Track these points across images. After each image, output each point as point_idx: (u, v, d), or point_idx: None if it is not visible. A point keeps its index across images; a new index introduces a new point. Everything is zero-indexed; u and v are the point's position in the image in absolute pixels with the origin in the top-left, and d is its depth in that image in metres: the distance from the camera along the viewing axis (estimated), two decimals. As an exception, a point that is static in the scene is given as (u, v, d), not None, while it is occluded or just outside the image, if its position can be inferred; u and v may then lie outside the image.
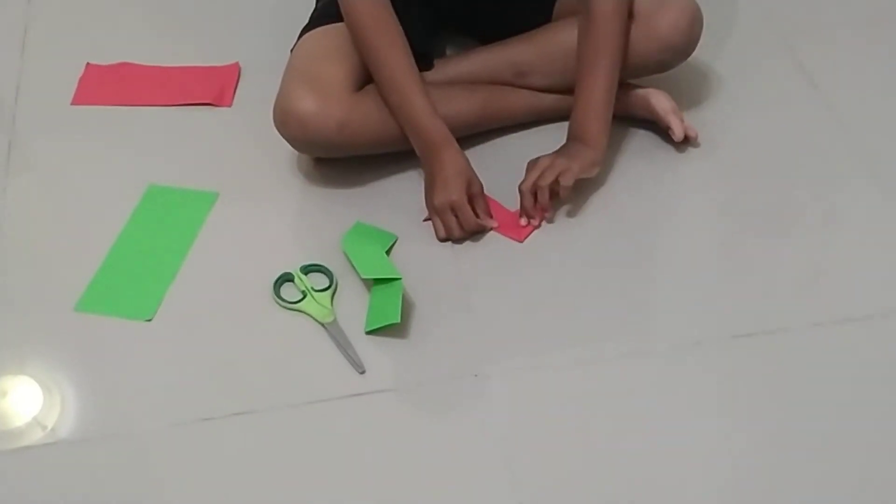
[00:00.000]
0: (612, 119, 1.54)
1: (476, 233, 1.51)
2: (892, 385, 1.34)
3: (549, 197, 1.50)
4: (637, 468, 1.27)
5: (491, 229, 1.51)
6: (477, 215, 1.50)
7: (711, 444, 1.29)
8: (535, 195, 1.50)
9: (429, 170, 1.52)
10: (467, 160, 1.52)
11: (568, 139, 1.55)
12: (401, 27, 1.51)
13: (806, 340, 1.39)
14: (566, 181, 1.49)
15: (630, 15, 1.55)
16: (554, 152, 1.53)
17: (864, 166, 1.61)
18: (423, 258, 1.50)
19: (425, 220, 1.53)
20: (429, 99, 1.51)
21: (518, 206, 1.53)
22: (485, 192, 1.53)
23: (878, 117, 1.68)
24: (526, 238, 1.51)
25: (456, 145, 1.52)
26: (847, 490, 1.24)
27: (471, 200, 1.50)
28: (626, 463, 1.27)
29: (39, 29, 1.91)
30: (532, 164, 1.53)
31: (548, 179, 1.49)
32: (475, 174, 1.52)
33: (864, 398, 1.33)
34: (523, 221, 1.52)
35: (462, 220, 1.49)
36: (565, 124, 1.63)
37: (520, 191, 1.51)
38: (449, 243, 1.51)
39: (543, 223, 1.53)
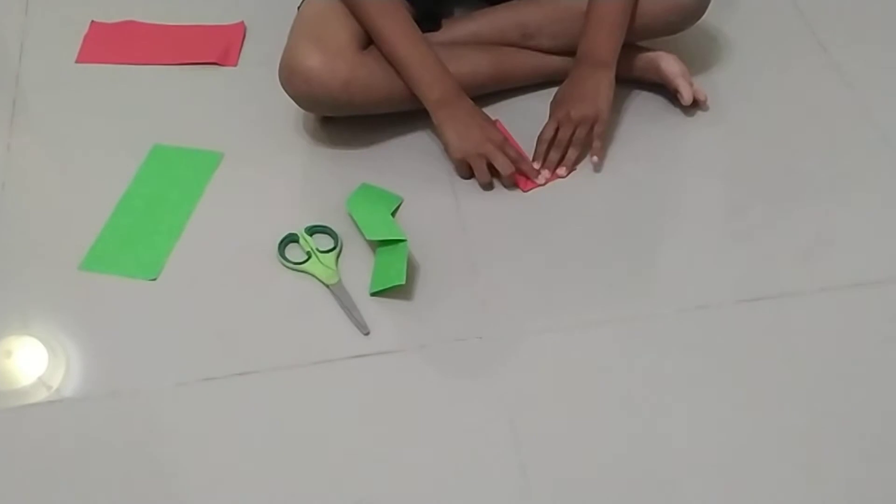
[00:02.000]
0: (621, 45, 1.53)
1: (528, 164, 1.51)
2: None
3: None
4: (641, 432, 1.27)
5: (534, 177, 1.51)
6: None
7: (716, 408, 1.29)
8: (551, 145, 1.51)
9: (448, 121, 1.50)
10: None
11: (579, 62, 1.53)
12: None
13: (813, 305, 1.38)
14: (600, 134, 1.50)
15: (640, -25, 1.54)
16: (570, 86, 1.52)
17: (874, 131, 1.60)
18: (428, 220, 1.49)
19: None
20: (433, 51, 1.51)
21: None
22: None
23: (890, 82, 1.67)
24: (529, 189, 1.50)
25: (466, 95, 1.52)
26: (853, 455, 1.24)
27: (500, 147, 1.50)
28: (630, 426, 1.27)
29: (43, -14, 1.90)
30: (557, 109, 1.52)
31: (579, 134, 1.50)
32: (491, 121, 1.52)
33: (872, 363, 1.32)
34: (539, 170, 1.51)
35: (499, 164, 1.49)
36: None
37: (539, 139, 1.51)
38: (454, 204, 1.51)
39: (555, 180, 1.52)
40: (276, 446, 1.27)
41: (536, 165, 1.51)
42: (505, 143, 1.51)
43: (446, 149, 1.52)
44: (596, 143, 1.52)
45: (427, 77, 1.49)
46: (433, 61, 1.50)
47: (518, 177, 1.51)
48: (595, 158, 1.52)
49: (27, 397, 1.34)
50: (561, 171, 1.52)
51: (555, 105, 1.55)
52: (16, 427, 1.31)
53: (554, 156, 1.51)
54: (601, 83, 1.51)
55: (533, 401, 1.30)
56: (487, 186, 1.52)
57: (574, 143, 1.51)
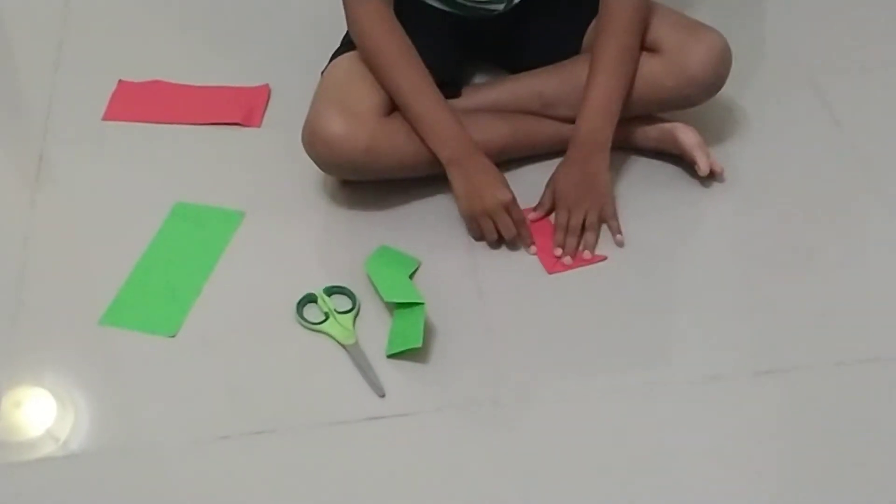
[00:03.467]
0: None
1: (528, 230, 1.53)
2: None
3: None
4: (654, 501, 1.27)
5: (530, 244, 1.53)
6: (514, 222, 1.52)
7: (728, 480, 1.29)
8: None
9: (459, 178, 1.52)
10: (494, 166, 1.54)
11: (577, 145, 1.54)
12: (414, 48, 1.53)
13: (827, 379, 1.38)
14: (612, 215, 1.55)
15: (658, 49, 1.57)
16: (570, 171, 1.54)
17: (885, 205, 1.61)
18: (445, 283, 1.50)
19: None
20: (452, 111, 1.53)
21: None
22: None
23: (902, 157, 1.69)
24: (555, 272, 1.52)
25: (482, 152, 1.53)
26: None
27: (505, 208, 1.52)
28: (644, 496, 1.27)
29: (74, 45, 1.93)
30: (562, 197, 1.54)
31: (591, 219, 1.53)
32: (504, 179, 1.54)
33: (887, 440, 1.32)
34: (558, 252, 1.52)
35: (501, 226, 1.51)
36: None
37: (556, 226, 1.54)
38: (471, 269, 1.52)
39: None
40: (289, 506, 1.27)
41: (558, 253, 1.52)
42: (512, 204, 1.52)
43: (457, 206, 1.54)
44: (612, 224, 1.55)
45: (441, 133, 1.51)
46: (448, 117, 1.52)
47: (544, 257, 1.53)
48: (619, 237, 1.55)
49: (37, 451, 1.34)
50: (585, 254, 1.53)
51: (557, 190, 1.56)
52: (25, 481, 1.31)
53: (572, 242, 1.53)
54: (600, 168, 1.54)
55: (546, 467, 1.30)
56: (495, 245, 1.53)
57: (588, 228, 1.53)
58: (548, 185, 1.58)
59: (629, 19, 1.54)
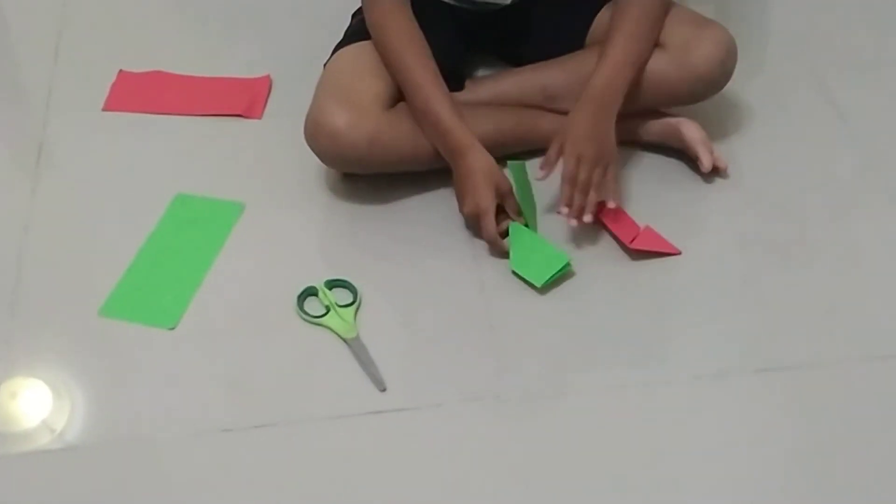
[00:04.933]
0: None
1: (498, 247, 1.50)
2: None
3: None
4: (653, 499, 1.26)
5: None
6: (508, 215, 1.51)
7: (730, 476, 1.28)
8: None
9: (456, 174, 1.52)
10: (494, 161, 1.51)
11: (588, 100, 1.51)
12: (426, 41, 1.52)
13: (830, 377, 1.38)
14: (615, 177, 1.51)
15: (664, 44, 1.56)
16: (579, 123, 1.51)
17: (890, 202, 1.61)
18: (446, 279, 1.50)
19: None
20: (454, 105, 1.52)
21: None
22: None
23: (906, 154, 1.68)
24: (634, 243, 1.50)
25: (481, 147, 1.51)
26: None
27: (502, 201, 1.50)
28: (644, 492, 1.27)
29: (73, 34, 1.92)
30: (571, 146, 1.50)
31: (598, 176, 1.50)
32: (503, 174, 1.51)
33: (890, 438, 1.32)
34: (564, 211, 1.49)
35: (482, 227, 1.49)
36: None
37: (564, 180, 1.50)
38: (473, 263, 1.51)
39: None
40: (288, 500, 1.26)
41: (564, 211, 1.50)
42: (485, 215, 1.48)
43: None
44: (612, 186, 1.52)
45: (445, 127, 1.50)
46: (451, 113, 1.51)
47: (621, 233, 1.51)
48: (613, 204, 1.52)
49: (34, 442, 1.34)
50: (587, 218, 1.50)
51: (566, 140, 1.51)
52: (19, 472, 1.31)
53: (580, 199, 1.50)
54: (609, 127, 1.52)
55: (548, 463, 1.30)
56: (493, 244, 1.51)
57: (594, 185, 1.50)
58: (555, 140, 1.53)
59: (651, 2, 1.53)
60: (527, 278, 1.47)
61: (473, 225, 1.52)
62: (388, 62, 1.54)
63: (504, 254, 1.50)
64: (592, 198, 1.50)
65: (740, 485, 1.28)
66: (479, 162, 1.50)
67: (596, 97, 1.52)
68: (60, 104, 1.79)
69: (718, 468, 1.29)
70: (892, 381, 1.38)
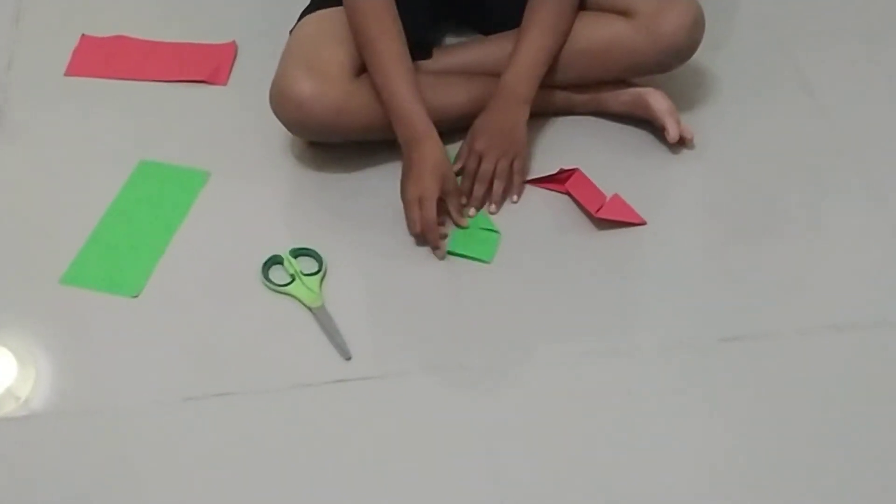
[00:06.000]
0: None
1: (434, 234, 1.46)
2: (875, 395, 1.34)
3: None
4: (617, 466, 1.27)
5: (435, 246, 1.48)
6: (449, 214, 1.50)
7: (693, 444, 1.29)
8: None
9: (406, 159, 1.50)
10: (446, 154, 1.50)
11: (500, 95, 1.53)
12: (398, 17, 1.51)
13: (792, 347, 1.39)
14: (520, 170, 1.53)
15: (632, 14, 1.56)
16: (489, 118, 1.52)
17: (855, 174, 1.62)
18: (412, 247, 1.49)
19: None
20: (415, 87, 1.50)
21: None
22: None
23: (872, 125, 1.69)
24: (600, 212, 1.50)
25: (436, 137, 1.49)
26: (827, 495, 1.25)
27: (445, 198, 1.49)
28: (607, 460, 1.28)
29: (34, -2, 1.89)
30: (476, 140, 1.51)
31: (502, 166, 1.52)
32: (451, 171, 1.50)
33: (848, 407, 1.33)
34: (463, 201, 1.51)
35: (422, 216, 1.46)
36: (560, 119, 1.65)
37: (465, 173, 1.51)
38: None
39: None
40: (252, 469, 1.26)
41: (464, 201, 1.50)
42: (427, 201, 1.45)
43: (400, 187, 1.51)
44: (517, 179, 1.53)
45: (398, 112, 1.49)
46: (411, 98, 1.48)
47: (588, 203, 1.51)
48: (515, 199, 1.54)
49: None
50: (492, 208, 1.52)
51: (473, 135, 1.53)
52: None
53: (479, 189, 1.51)
54: (519, 119, 1.54)
55: (512, 432, 1.30)
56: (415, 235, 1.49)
57: (498, 175, 1.52)
58: (468, 135, 1.55)
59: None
60: (474, 256, 1.47)
61: (411, 214, 1.47)
62: (354, 32, 1.52)
63: (436, 244, 1.47)
64: (497, 188, 1.52)
65: (705, 454, 1.29)
66: (432, 152, 1.48)
67: (506, 92, 1.53)
68: (21, 69, 1.76)
69: (683, 437, 1.30)
70: (855, 351, 1.39)
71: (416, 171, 1.47)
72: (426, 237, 1.47)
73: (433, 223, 1.45)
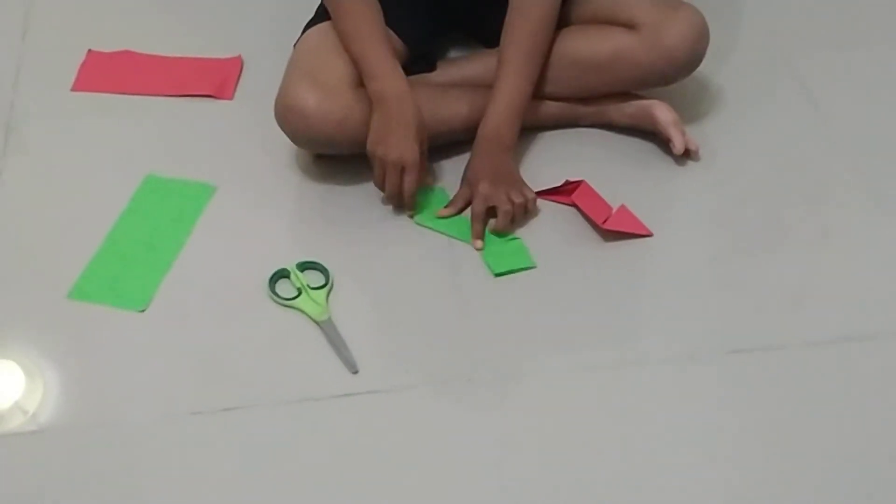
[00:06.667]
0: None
1: (412, 202, 1.49)
2: (885, 407, 1.34)
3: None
4: (626, 478, 1.27)
5: (409, 211, 1.51)
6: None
7: (701, 457, 1.29)
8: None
9: (378, 116, 1.47)
10: (422, 115, 1.49)
11: (487, 140, 1.53)
12: (380, 9, 1.52)
13: (799, 359, 1.39)
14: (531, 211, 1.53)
15: (636, 26, 1.56)
16: (485, 163, 1.52)
17: (860, 184, 1.61)
18: (420, 260, 1.50)
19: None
20: (392, 53, 1.50)
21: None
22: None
23: (876, 136, 1.69)
24: (607, 224, 1.50)
25: (413, 95, 1.48)
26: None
27: (400, 168, 1.48)
28: (616, 473, 1.27)
29: (42, 13, 1.90)
30: (479, 186, 1.50)
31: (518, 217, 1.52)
32: (426, 134, 1.50)
33: (857, 419, 1.33)
34: (478, 245, 1.50)
35: (387, 182, 1.47)
36: (565, 132, 1.65)
37: (474, 217, 1.50)
38: (446, 244, 1.51)
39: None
40: (260, 483, 1.26)
41: (478, 245, 1.50)
42: (410, 167, 1.46)
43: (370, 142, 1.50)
44: (531, 206, 1.53)
45: (376, 69, 1.48)
46: (385, 57, 1.49)
47: (595, 214, 1.51)
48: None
49: (5, 424, 1.33)
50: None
51: (472, 182, 1.52)
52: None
53: (504, 225, 1.50)
54: (508, 162, 1.54)
55: (520, 445, 1.30)
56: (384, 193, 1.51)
57: (517, 210, 1.50)
58: (463, 182, 1.55)
59: (540, 18, 1.54)
60: (520, 267, 1.47)
61: (393, 178, 1.47)
62: (335, 18, 1.52)
63: (410, 209, 1.50)
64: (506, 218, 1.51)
65: (711, 466, 1.28)
66: (415, 112, 1.47)
67: (489, 137, 1.54)
68: (29, 84, 1.77)
69: (689, 449, 1.30)
70: (862, 363, 1.39)
71: (401, 127, 1.46)
72: (405, 200, 1.49)
73: (413, 188, 1.48)
